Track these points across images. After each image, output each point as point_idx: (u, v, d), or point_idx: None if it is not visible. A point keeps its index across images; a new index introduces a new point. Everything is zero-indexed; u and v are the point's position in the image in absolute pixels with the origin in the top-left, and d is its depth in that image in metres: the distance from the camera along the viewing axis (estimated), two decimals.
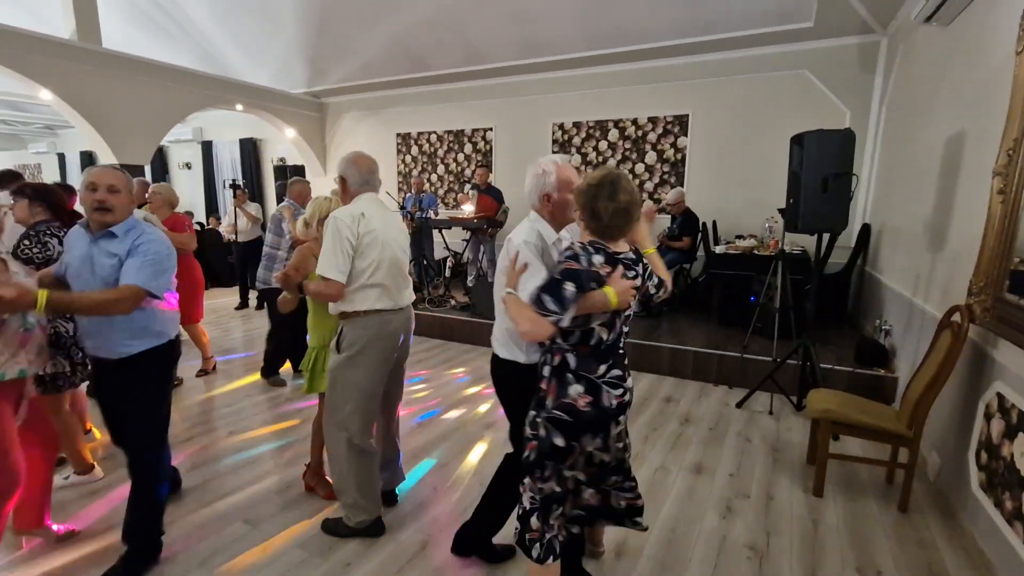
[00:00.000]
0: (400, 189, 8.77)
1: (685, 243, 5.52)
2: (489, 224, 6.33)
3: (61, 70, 5.98)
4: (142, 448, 2.09)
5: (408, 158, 8.69)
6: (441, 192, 8.46)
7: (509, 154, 7.79)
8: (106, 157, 6.53)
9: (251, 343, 5.63)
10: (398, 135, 8.68)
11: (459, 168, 8.27)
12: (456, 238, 7.34)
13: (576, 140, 7.24)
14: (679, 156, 6.68)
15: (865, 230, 5.24)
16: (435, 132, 8.34)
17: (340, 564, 2.21)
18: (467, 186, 7.57)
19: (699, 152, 6.59)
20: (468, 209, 6.52)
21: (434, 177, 8.49)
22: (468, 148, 8.11)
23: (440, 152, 8.37)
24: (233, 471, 2.97)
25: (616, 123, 6.96)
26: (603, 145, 7.09)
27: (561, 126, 7.31)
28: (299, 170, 9.00)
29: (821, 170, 3.28)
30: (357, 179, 2.29)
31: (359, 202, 2.26)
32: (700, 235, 5.86)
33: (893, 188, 4.68)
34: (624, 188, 1.65)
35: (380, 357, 2.28)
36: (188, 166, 11.29)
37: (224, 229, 6.82)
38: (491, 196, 6.48)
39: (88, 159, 11.84)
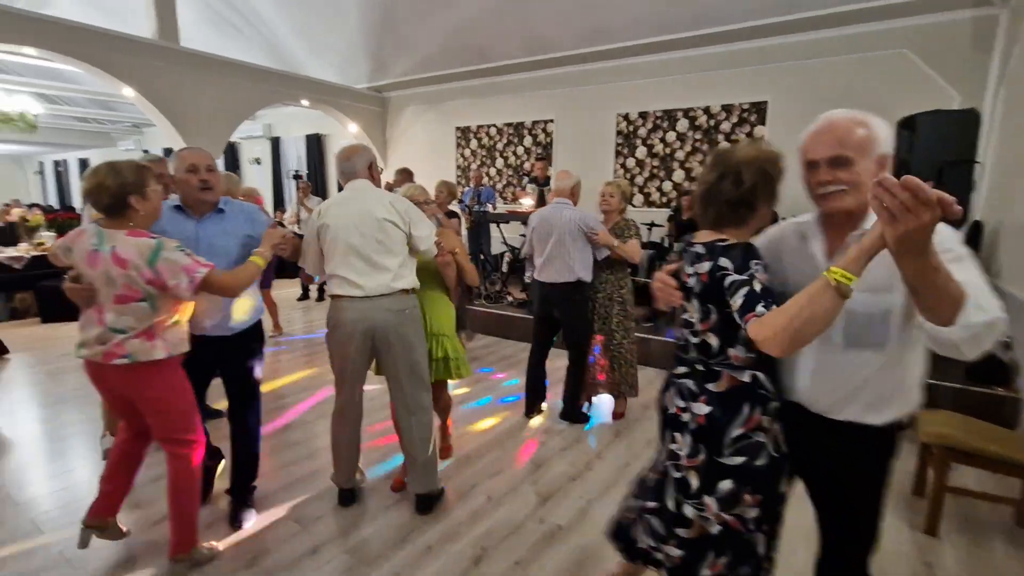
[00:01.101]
0: (459, 183, 8.70)
1: None
2: None
3: (143, 68, 6.26)
4: (255, 409, 2.42)
5: (467, 152, 8.60)
6: (499, 186, 8.31)
7: (570, 146, 7.53)
8: None
9: (311, 335, 5.70)
10: (457, 129, 8.61)
11: (518, 161, 8.09)
12: (514, 232, 7.17)
13: (642, 131, 6.89)
14: None
15: (975, 228, 4.63)
16: (494, 125, 8.19)
17: (389, 574, 2.08)
18: (525, 179, 7.38)
19: (777, 142, 6.05)
20: (527, 203, 6.33)
21: (492, 171, 8.35)
22: (528, 141, 7.92)
23: (499, 145, 8.23)
24: (287, 466, 2.93)
25: (686, 112, 6.55)
26: (671, 136, 6.70)
27: (626, 116, 6.97)
28: None
29: (936, 157, 2.85)
30: (338, 172, 2.40)
31: (337, 195, 2.39)
32: None
33: (1013, 181, 4.08)
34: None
35: (335, 341, 2.38)
36: (258, 161, 11.73)
37: (288, 219, 6.97)
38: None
39: (169, 155, 12.55)
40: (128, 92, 6.34)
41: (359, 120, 8.93)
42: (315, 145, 10.39)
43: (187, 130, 6.72)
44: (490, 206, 6.57)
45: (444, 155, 8.78)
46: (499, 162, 8.28)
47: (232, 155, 11.85)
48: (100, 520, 2.06)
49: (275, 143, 11.13)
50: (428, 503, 2.48)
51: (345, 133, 9.35)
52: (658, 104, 6.72)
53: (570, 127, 7.50)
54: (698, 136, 6.53)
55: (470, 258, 2.95)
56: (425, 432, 2.44)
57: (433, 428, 2.50)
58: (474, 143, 8.50)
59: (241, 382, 2.34)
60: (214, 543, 2.18)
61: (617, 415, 3.57)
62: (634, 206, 7.02)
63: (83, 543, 2.05)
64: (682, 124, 6.59)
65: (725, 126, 6.34)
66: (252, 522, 2.39)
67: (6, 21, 5.35)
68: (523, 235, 6.55)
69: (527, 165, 7.95)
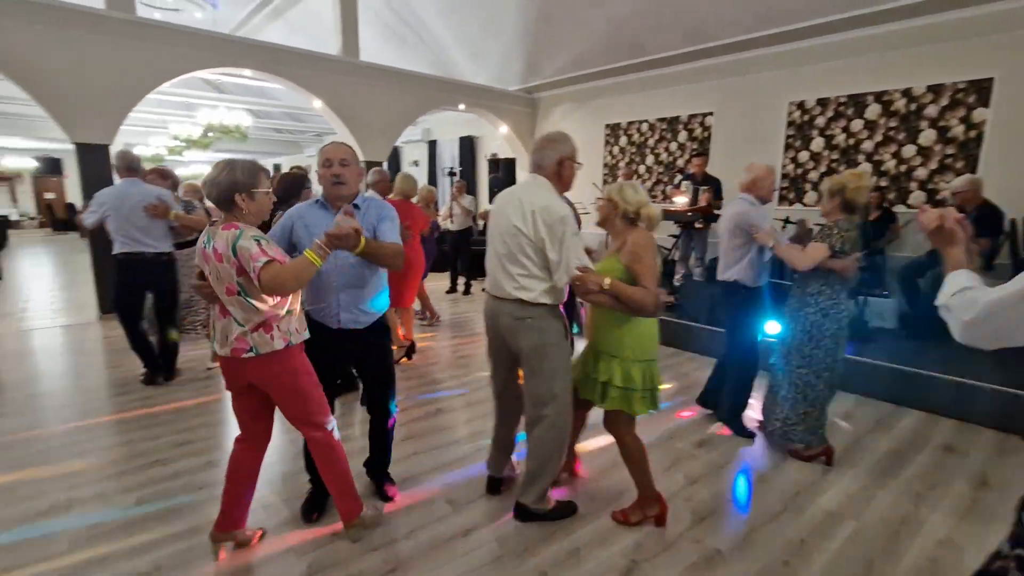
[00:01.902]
0: (605, 181, 8.54)
1: (983, 245, 4.19)
2: (705, 219, 5.71)
3: (329, 82, 7.09)
4: (389, 396, 2.44)
5: (616, 149, 8.40)
6: (649, 184, 7.98)
7: (730, 140, 6.96)
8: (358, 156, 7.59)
9: (458, 326, 5.97)
10: (607, 126, 8.45)
11: (671, 158, 7.69)
12: (663, 232, 6.82)
13: (819, 120, 6.11)
14: (972, 134, 5.15)
15: None
16: (646, 121, 7.89)
17: (536, 572, 2.04)
18: (678, 177, 6.98)
19: (1005, 127, 4.98)
20: (680, 201, 5.97)
21: (642, 168, 8.05)
22: (683, 136, 7.49)
23: (651, 142, 7.90)
24: (439, 447, 3.06)
25: (879, 96, 5.66)
26: (856, 125, 5.84)
27: (800, 105, 6.24)
28: (510, 164, 9.37)
29: None
30: (530, 161, 2.34)
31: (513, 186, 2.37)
32: (1004, 236, 4.42)
33: None
34: None
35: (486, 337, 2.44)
36: (416, 163, 12.72)
37: (441, 215, 7.41)
38: (707, 184, 5.83)
39: None
40: (317, 104, 7.23)
41: (510, 121, 9.20)
42: (468, 146, 10.94)
43: (362, 136, 7.47)
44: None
45: (592, 153, 8.68)
46: (649, 159, 7.96)
47: (395, 158, 12.98)
48: (227, 534, 2.10)
49: (431, 146, 11.96)
50: (524, 513, 2.34)
51: (496, 134, 9.70)
52: (842, 88, 5.90)
53: (731, 119, 6.93)
54: (893, 124, 5.61)
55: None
56: (540, 447, 2.26)
57: (553, 448, 2.26)
58: (623, 140, 8.27)
59: (374, 373, 2.36)
60: (377, 505, 2.33)
61: (795, 453, 2.97)
62: (804, 204, 6.26)
63: (214, 554, 2.08)
64: (872, 110, 5.71)
65: (931, 110, 5.35)
66: (397, 497, 2.49)
67: (230, 48, 6.40)
68: (673, 235, 6.24)
69: (680, 162, 7.52)
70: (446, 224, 7.42)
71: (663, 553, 2.15)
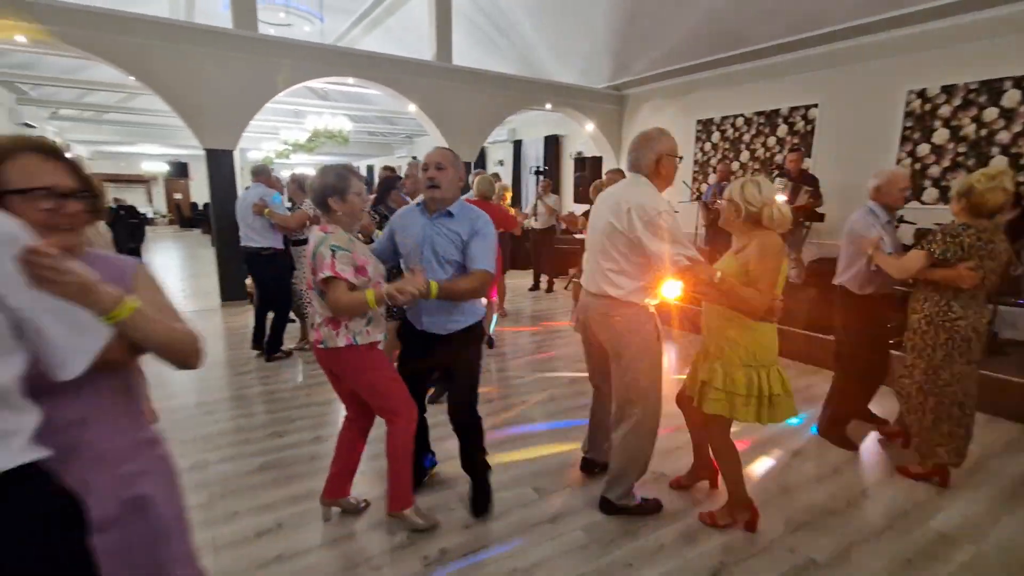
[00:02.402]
0: (695, 179, 8.26)
1: None
2: (806, 218, 5.38)
3: (423, 86, 7.43)
4: (470, 401, 2.32)
5: (707, 146, 8.10)
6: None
7: (837, 133, 6.48)
8: None
9: (539, 322, 6.06)
10: (699, 122, 8.17)
11: (768, 154, 7.30)
12: None
13: (944, 110, 5.54)
14: None
15: None
16: (742, 115, 7.53)
17: (621, 564, 2.07)
18: (774, 174, 6.61)
19: None
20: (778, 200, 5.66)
21: (735, 165, 7.71)
22: (782, 130, 7.08)
23: (746, 137, 7.54)
24: (523, 438, 3.15)
25: (1019, 81, 5.04)
26: (990, 113, 5.23)
27: (921, 93, 5.69)
28: (596, 162, 9.33)
29: None
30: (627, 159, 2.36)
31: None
32: None
33: None
34: None
35: None
36: (501, 163, 12.97)
37: (526, 212, 7.54)
38: (804, 183, 5.49)
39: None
40: (411, 107, 7.61)
41: (596, 119, 9.15)
42: (552, 145, 11.01)
43: (452, 137, 7.76)
44: (713, 199, 6.06)
45: (682, 150, 8.42)
46: (744, 155, 7.60)
47: (481, 158, 13.32)
48: (333, 500, 2.30)
49: (517, 145, 12.15)
50: (608, 507, 2.37)
51: (582, 133, 9.69)
52: (974, 74, 5.31)
53: (839, 110, 6.45)
54: None
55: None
56: (625, 446, 2.28)
57: (638, 447, 2.27)
58: (716, 136, 7.96)
59: (458, 379, 2.31)
60: (433, 518, 2.28)
61: (903, 470, 2.76)
62: (923, 202, 5.71)
63: (325, 517, 2.29)
64: (1011, 97, 5.09)
65: None
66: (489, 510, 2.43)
67: (336, 58, 6.90)
68: None
69: (779, 158, 7.12)
70: (530, 222, 7.54)
71: (753, 558, 2.10)
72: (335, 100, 12.68)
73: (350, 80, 7.20)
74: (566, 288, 7.54)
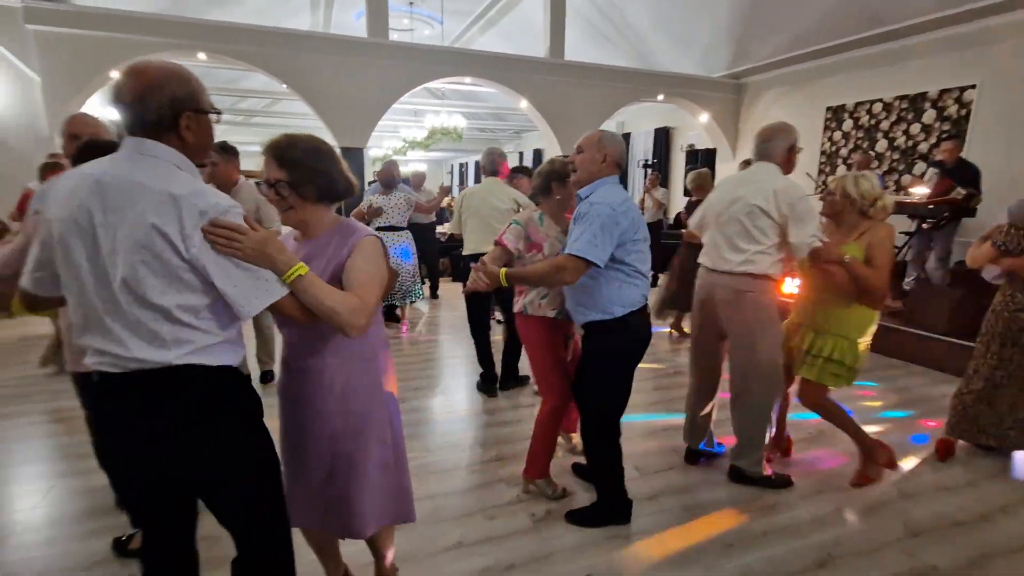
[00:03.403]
0: (821, 171, 7.69)
1: None
2: (955, 213, 4.83)
3: (535, 82, 7.66)
4: (592, 412, 2.20)
5: (837, 135, 7.50)
6: (880, 172, 6.96)
7: (1000, 118, 5.70)
8: (554, 152, 8.07)
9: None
10: (828, 109, 7.57)
11: (910, 143, 6.60)
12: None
13: None
14: None
15: None
16: (880, 100, 6.88)
17: (721, 544, 2.12)
18: (920, 164, 5.98)
19: None
20: (920, 193, 5.15)
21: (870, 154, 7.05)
22: (928, 115, 6.37)
23: (884, 124, 6.88)
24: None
25: None
26: None
27: None
28: (710, 154, 9.00)
29: None
30: (753, 150, 2.45)
31: (737, 172, 2.54)
32: None
33: None
34: None
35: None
36: None
37: None
38: (954, 177, 4.89)
39: (538, 156, 14.96)
40: (523, 104, 7.87)
41: (711, 109, 8.82)
42: (662, 138, 10.76)
43: (561, 132, 7.91)
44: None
45: (806, 140, 7.84)
46: (881, 144, 6.93)
47: None
48: (528, 478, 2.43)
49: (625, 139, 12.01)
50: (739, 476, 2.51)
51: (694, 124, 9.38)
52: None
53: (1003, 91, 5.68)
54: None
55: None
56: (749, 418, 2.45)
57: (763, 416, 2.45)
58: (848, 123, 7.33)
59: (579, 376, 2.22)
60: (567, 489, 2.43)
61: None
62: None
63: (524, 490, 2.43)
64: None
65: None
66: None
67: (455, 59, 7.33)
68: (906, 232, 5.38)
69: (924, 146, 6.42)
70: None
71: (865, 555, 2.05)
72: (450, 99, 13.36)
73: (467, 79, 7.61)
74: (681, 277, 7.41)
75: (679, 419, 2.85)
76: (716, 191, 2.51)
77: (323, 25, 9.20)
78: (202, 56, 6.33)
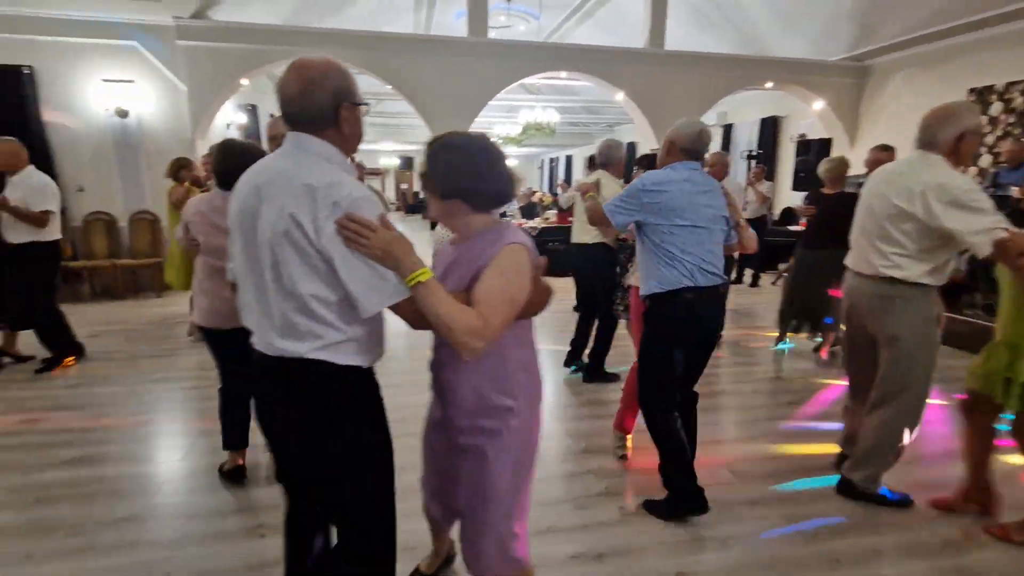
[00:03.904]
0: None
1: None
2: None
3: (633, 74, 7.47)
4: (642, 384, 2.26)
5: (983, 119, 6.59)
6: None
7: None
8: (650, 145, 7.84)
9: (740, 317, 5.72)
10: (971, 91, 6.69)
11: None
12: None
13: None
14: None
15: None
16: None
17: (827, 556, 1.98)
18: None
19: None
20: None
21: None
22: None
23: None
24: (720, 425, 3.11)
25: None
26: None
27: None
28: (824, 145, 8.29)
29: None
30: (916, 137, 2.13)
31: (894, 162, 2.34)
32: None
33: None
34: None
35: None
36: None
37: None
38: None
39: (632, 149, 14.59)
40: (619, 96, 7.72)
41: (827, 95, 8.10)
42: (769, 128, 10.06)
43: (659, 124, 7.66)
44: (1016, 190, 4.90)
45: None
46: None
47: None
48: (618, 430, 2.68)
49: (727, 129, 11.38)
50: (849, 489, 2.32)
51: (806, 113, 8.69)
52: None
53: None
54: None
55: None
56: (881, 430, 2.21)
57: (898, 432, 2.18)
58: (996, 107, 6.43)
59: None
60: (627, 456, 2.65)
61: None
62: None
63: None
64: None
65: None
66: None
67: (550, 54, 7.35)
68: None
69: None
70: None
71: None
72: (544, 94, 13.39)
73: (562, 74, 7.60)
74: (774, 284, 6.97)
75: (779, 427, 2.69)
76: (868, 182, 2.27)
77: (425, 26, 9.59)
78: None
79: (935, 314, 2.11)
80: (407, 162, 23.78)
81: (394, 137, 18.81)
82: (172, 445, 2.88)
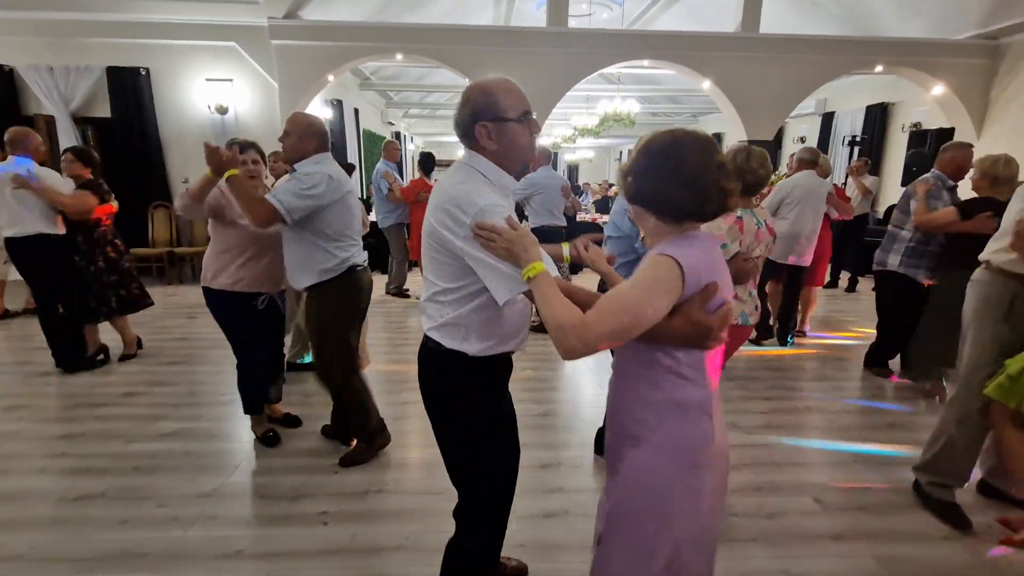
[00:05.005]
0: None
1: None
2: None
3: (721, 61, 7.01)
4: None
5: None
6: None
7: None
8: (737, 136, 7.35)
9: (831, 324, 5.24)
10: None
11: None
12: None
13: None
14: None
15: None
16: None
17: None
18: None
19: None
20: None
21: None
22: None
23: None
24: (801, 450, 2.85)
25: None
26: None
27: None
28: (944, 135, 7.39)
29: None
30: None
31: None
32: None
33: None
34: None
35: None
36: (802, 140, 11.37)
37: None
38: None
39: (718, 140, 13.81)
40: (706, 85, 7.29)
41: (949, 79, 7.18)
42: (876, 116, 9.12)
43: (748, 113, 7.17)
44: None
45: None
46: None
47: (777, 135, 11.91)
48: None
49: (826, 119, 10.47)
50: (919, 492, 2.30)
51: (921, 99, 7.79)
52: None
53: None
54: None
55: None
56: (940, 425, 2.23)
57: (955, 428, 2.14)
58: None
59: None
60: None
61: None
62: None
63: None
64: None
65: None
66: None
67: (633, 42, 7.05)
68: None
69: None
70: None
71: None
72: (624, 83, 12.97)
73: (645, 62, 7.29)
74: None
75: (872, 453, 2.41)
76: None
77: (505, 18, 9.55)
78: (399, 57, 7.01)
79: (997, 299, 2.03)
80: None
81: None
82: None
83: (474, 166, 1.31)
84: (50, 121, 6.48)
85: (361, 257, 2.47)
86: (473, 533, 1.49)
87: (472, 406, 1.39)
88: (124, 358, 3.99)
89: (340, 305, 2.42)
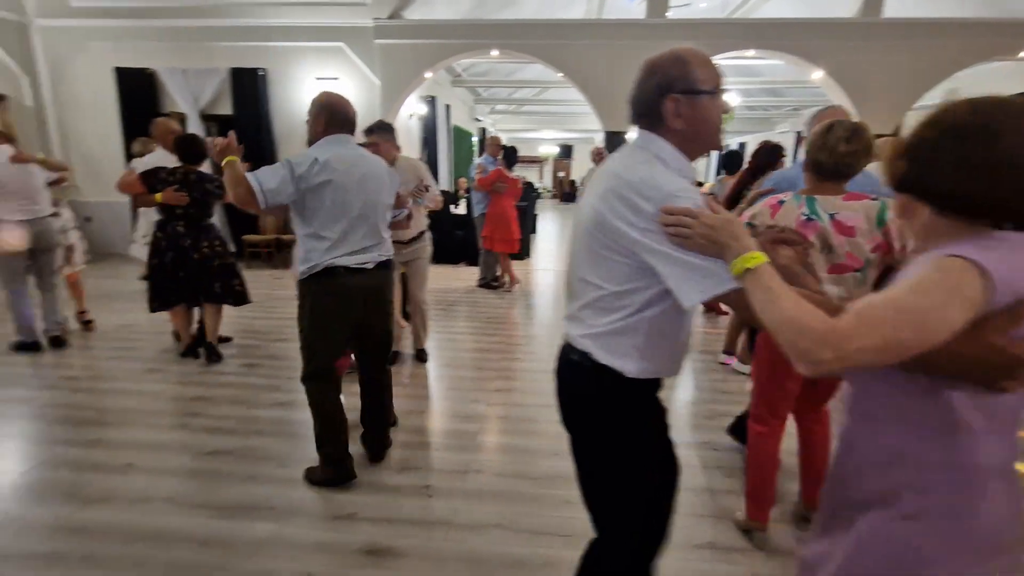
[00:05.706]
0: None
1: None
2: None
3: (836, 49, 6.51)
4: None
5: None
6: None
7: None
8: None
9: None
10: None
11: None
12: None
13: None
14: None
15: None
16: None
17: None
18: None
19: None
20: None
21: None
22: None
23: None
24: None
25: None
26: None
27: None
28: None
29: None
30: None
31: None
32: None
33: None
34: None
35: None
36: None
37: None
38: None
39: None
40: (815, 75, 6.80)
41: None
42: None
43: (865, 107, 6.61)
44: None
45: None
46: None
47: (894, 130, 10.89)
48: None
49: None
50: None
51: None
52: None
53: None
54: None
55: None
56: None
57: None
58: None
59: None
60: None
61: None
62: None
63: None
64: None
65: None
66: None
67: (737, 31, 6.71)
68: None
69: None
70: None
71: None
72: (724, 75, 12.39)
73: (749, 52, 6.92)
74: None
75: None
76: None
77: (598, 11, 9.43)
78: (495, 53, 7.12)
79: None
80: (566, 150, 23.87)
81: (554, 125, 18.99)
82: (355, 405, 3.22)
83: (651, 149, 1.12)
84: (182, 118, 7.21)
85: (354, 259, 2.19)
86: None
87: (624, 439, 1.20)
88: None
89: (315, 305, 2.22)
